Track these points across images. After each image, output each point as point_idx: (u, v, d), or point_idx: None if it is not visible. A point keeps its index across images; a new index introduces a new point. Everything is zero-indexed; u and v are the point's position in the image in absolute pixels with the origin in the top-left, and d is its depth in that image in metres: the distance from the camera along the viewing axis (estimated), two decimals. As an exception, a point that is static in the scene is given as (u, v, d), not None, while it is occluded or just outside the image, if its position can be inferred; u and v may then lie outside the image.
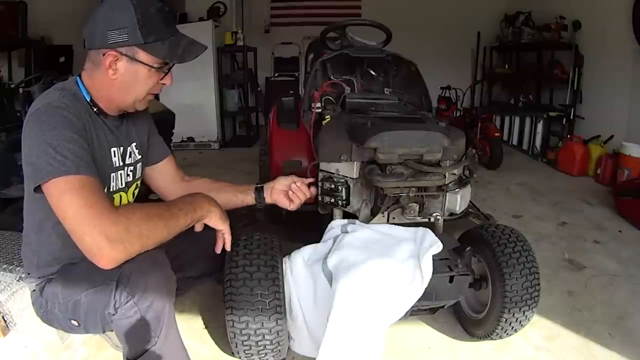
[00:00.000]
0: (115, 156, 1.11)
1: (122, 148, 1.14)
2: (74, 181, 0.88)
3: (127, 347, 0.99)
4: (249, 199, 1.35)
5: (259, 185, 1.36)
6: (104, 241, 0.86)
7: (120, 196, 1.16)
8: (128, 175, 1.18)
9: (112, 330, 1.08)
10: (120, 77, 1.01)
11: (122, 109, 1.11)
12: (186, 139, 4.83)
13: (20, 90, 2.66)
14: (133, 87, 1.04)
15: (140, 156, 1.22)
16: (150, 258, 0.97)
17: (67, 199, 0.87)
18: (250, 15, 5.75)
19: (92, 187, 0.91)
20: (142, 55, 1.00)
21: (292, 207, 1.35)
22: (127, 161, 1.17)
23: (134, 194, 1.23)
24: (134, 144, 1.20)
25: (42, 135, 0.90)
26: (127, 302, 0.93)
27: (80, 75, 1.07)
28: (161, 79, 1.07)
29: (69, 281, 1.03)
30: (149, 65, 1.02)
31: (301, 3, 6.01)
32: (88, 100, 1.04)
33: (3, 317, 1.52)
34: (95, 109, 1.05)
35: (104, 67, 1.00)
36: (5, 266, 1.45)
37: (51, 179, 0.88)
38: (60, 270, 1.08)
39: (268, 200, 1.35)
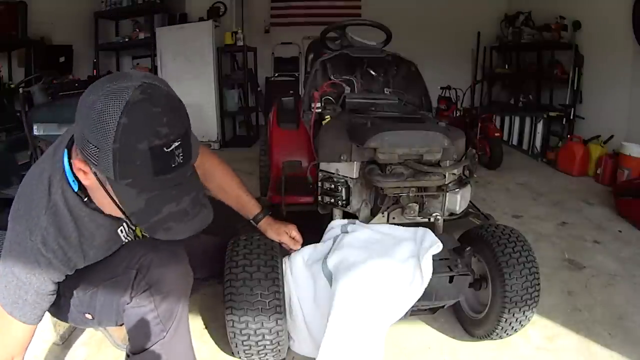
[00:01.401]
0: (122, 232, 1.05)
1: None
2: (6, 321, 0.89)
3: (133, 339, 1.00)
4: (245, 214, 1.35)
5: (262, 213, 1.35)
6: None
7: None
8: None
9: (121, 325, 1.09)
10: (90, 187, 0.83)
11: None
12: (186, 139, 4.83)
13: (20, 90, 2.65)
14: (103, 206, 0.87)
15: None
16: (171, 252, 0.99)
17: None
18: (250, 15, 5.74)
19: (16, 335, 0.90)
20: (112, 191, 0.77)
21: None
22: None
23: None
24: None
25: (10, 257, 0.86)
26: (143, 292, 0.95)
27: (69, 150, 0.87)
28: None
29: (86, 275, 1.03)
30: (115, 202, 0.79)
31: (301, 3, 6.00)
32: (75, 190, 0.88)
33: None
34: (85, 199, 0.89)
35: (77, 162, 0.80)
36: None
37: None
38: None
39: (260, 229, 1.36)
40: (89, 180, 0.79)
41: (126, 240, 1.06)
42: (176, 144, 0.73)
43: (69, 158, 0.86)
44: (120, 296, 0.97)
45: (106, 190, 0.78)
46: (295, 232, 1.36)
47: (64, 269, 0.91)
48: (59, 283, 0.93)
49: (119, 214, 0.82)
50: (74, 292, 1.04)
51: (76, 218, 0.89)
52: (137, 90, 0.71)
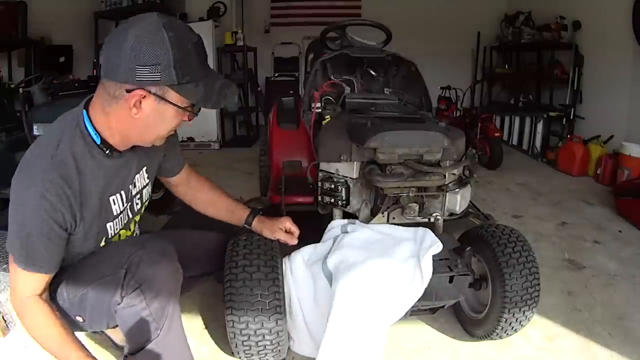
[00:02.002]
0: (115, 204, 1.08)
1: (126, 188, 1.10)
2: (20, 271, 0.96)
3: (130, 340, 1.00)
4: (237, 220, 1.37)
5: (251, 215, 1.37)
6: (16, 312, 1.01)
7: (119, 235, 1.15)
8: (137, 203, 1.18)
9: (114, 327, 1.09)
10: (143, 116, 0.92)
11: (137, 145, 1.04)
12: (186, 139, 4.83)
13: (20, 90, 2.65)
14: (156, 127, 0.96)
15: (148, 180, 1.20)
16: (160, 249, 0.99)
17: (12, 270, 0.98)
18: (250, 15, 5.75)
19: (31, 283, 0.97)
20: (173, 96, 0.90)
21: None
22: (134, 192, 1.14)
23: (136, 222, 1.23)
24: (145, 167, 1.16)
25: (16, 213, 0.92)
26: (134, 291, 0.94)
27: (87, 108, 0.97)
28: (185, 117, 0.98)
29: (75, 277, 1.03)
30: (178, 106, 0.92)
31: (301, 3, 6.00)
32: (98, 143, 0.97)
33: (3, 317, 1.52)
34: (107, 151, 0.98)
35: (125, 104, 0.89)
36: (5, 266, 1.45)
37: (10, 254, 0.98)
38: (63, 268, 1.08)
39: (255, 230, 1.37)
40: (143, 110, 0.90)
41: (115, 212, 1.08)
42: (201, 41, 0.94)
43: (89, 119, 0.96)
44: (111, 296, 0.96)
45: (166, 100, 0.90)
46: (289, 224, 1.35)
47: (67, 215, 0.94)
48: (67, 232, 0.97)
49: (174, 124, 0.97)
50: (64, 293, 1.04)
51: (80, 171, 0.95)
52: (157, 17, 0.88)
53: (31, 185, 0.90)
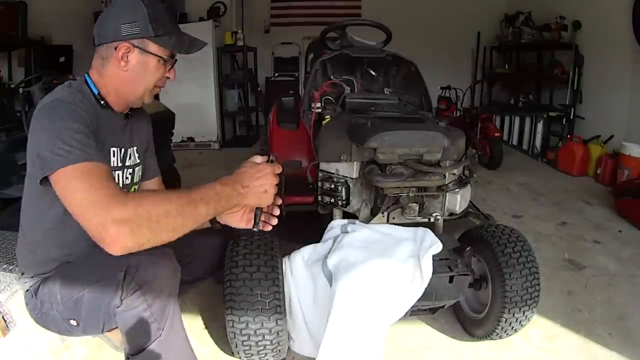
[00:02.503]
0: (114, 156, 1.12)
1: (122, 150, 1.15)
2: (81, 168, 0.89)
3: (131, 341, 0.99)
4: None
5: None
6: (110, 222, 0.82)
7: None
8: (127, 177, 1.18)
9: (110, 331, 1.08)
10: (130, 68, 1.06)
11: (130, 104, 1.13)
12: (186, 139, 4.83)
13: (20, 90, 2.65)
14: (143, 78, 1.09)
15: (139, 161, 1.23)
16: (158, 249, 0.98)
17: (74, 185, 0.87)
18: (250, 15, 5.75)
19: (100, 172, 0.90)
20: (153, 47, 1.06)
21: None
22: (127, 163, 1.17)
23: None
24: (135, 147, 1.21)
25: (50, 127, 0.93)
26: (134, 293, 0.94)
27: (88, 74, 1.11)
28: (167, 72, 1.13)
29: (70, 279, 1.03)
30: (159, 56, 1.08)
31: (301, 3, 6.01)
32: (95, 93, 1.08)
33: (3, 317, 1.52)
34: (102, 102, 1.08)
35: (115, 59, 1.05)
36: (5, 266, 1.45)
37: (59, 169, 0.89)
38: (58, 268, 1.08)
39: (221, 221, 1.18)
40: (130, 62, 1.05)
41: (112, 164, 1.10)
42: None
43: (91, 80, 1.09)
44: (110, 300, 0.95)
45: (148, 52, 1.06)
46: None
47: (92, 117, 1.01)
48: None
49: (157, 76, 1.10)
50: (58, 296, 1.03)
51: (91, 109, 1.05)
52: None
53: (56, 98, 0.99)
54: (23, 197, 1.09)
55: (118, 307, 0.95)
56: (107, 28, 1.05)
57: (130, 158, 1.18)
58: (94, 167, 0.90)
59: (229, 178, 1.00)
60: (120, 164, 1.15)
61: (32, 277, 1.11)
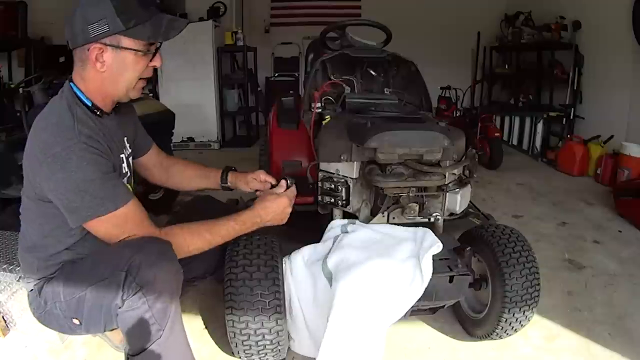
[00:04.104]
0: (124, 162, 1.15)
1: (126, 150, 1.17)
2: (118, 215, 0.99)
3: (131, 341, 0.99)
4: (214, 182, 1.44)
5: (224, 172, 1.44)
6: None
7: None
8: (125, 169, 1.21)
9: (112, 330, 1.08)
10: (108, 68, 1.01)
11: (117, 101, 1.11)
12: (186, 139, 4.83)
13: (20, 90, 2.65)
14: (123, 75, 1.04)
15: (130, 150, 1.24)
16: (159, 250, 0.99)
17: (114, 232, 1.01)
18: (250, 15, 5.75)
19: (134, 215, 1.03)
20: (126, 42, 1.00)
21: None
22: (126, 154, 1.19)
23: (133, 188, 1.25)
24: (126, 137, 1.22)
25: (71, 178, 0.94)
26: (135, 294, 0.94)
27: (72, 80, 1.06)
28: (150, 62, 1.07)
29: (73, 278, 1.03)
30: (135, 50, 1.02)
31: (301, 3, 6.01)
32: (89, 105, 1.04)
33: (3, 317, 1.52)
34: (97, 112, 1.05)
35: (91, 62, 1.00)
36: (5, 266, 1.45)
37: (94, 219, 0.99)
38: (61, 268, 1.08)
39: (231, 185, 1.44)
40: (106, 62, 1.00)
41: (124, 171, 1.16)
42: None
43: (77, 87, 1.05)
44: (111, 300, 0.96)
45: (122, 47, 1.00)
46: (264, 175, 1.40)
47: (106, 151, 1.03)
48: (113, 166, 1.04)
49: (139, 69, 1.04)
50: (62, 295, 1.04)
51: (97, 126, 1.04)
52: None
53: (66, 143, 0.95)
54: (22, 205, 1.09)
55: (119, 307, 0.96)
56: (75, 31, 0.98)
57: (127, 149, 1.21)
58: (126, 211, 1.01)
59: (252, 214, 1.19)
60: (126, 170, 1.18)
61: (38, 279, 1.11)
